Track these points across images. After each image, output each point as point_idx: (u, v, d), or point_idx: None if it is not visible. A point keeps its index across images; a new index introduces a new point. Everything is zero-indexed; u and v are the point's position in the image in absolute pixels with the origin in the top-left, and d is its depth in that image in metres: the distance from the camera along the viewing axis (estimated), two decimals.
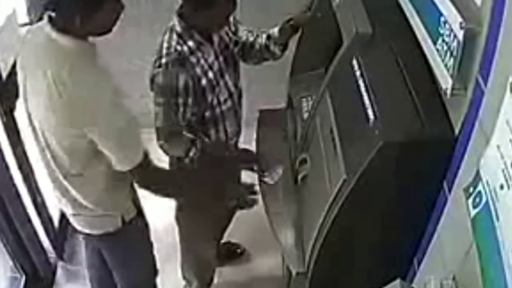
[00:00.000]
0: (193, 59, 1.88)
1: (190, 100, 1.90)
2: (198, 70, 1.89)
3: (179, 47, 1.85)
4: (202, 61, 1.90)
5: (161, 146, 1.99)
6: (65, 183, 1.74)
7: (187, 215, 2.33)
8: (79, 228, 1.92)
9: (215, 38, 1.95)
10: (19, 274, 2.50)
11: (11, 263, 2.45)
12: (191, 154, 1.98)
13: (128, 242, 1.96)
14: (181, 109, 1.90)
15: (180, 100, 1.88)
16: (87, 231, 1.91)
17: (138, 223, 1.95)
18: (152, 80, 1.90)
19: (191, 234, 2.40)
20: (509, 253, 0.98)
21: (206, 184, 2.11)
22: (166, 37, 1.89)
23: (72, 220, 1.92)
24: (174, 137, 1.96)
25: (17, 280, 2.51)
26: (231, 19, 2.01)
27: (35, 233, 2.08)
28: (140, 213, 1.97)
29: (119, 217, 1.85)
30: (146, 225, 2.06)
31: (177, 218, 2.40)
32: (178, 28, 1.87)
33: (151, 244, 2.14)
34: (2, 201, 2.18)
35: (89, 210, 1.80)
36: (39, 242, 2.60)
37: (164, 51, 1.86)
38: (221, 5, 1.82)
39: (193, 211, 2.26)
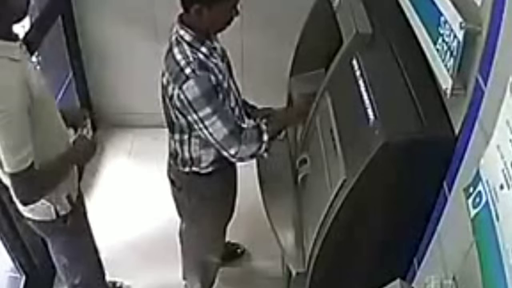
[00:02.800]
0: (210, 64, 1.81)
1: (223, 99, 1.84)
2: (217, 74, 1.82)
3: (195, 56, 1.78)
4: (218, 65, 1.85)
5: (235, 155, 1.85)
6: None
7: (198, 224, 2.28)
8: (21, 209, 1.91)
9: (217, 45, 1.93)
10: (19, 274, 2.51)
11: (11, 263, 2.45)
12: (264, 143, 1.88)
13: (65, 236, 1.99)
14: (227, 106, 1.84)
15: (221, 96, 1.81)
16: (28, 215, 1.91)
17: (71, 220, 1.92)
18: (185, 100, 1.77)
19: (202, 239, 2.35)
20: (509, 253, 0.98)
21: (224, 185, 2.12)
22: (176, 50, 1.79)
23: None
24: (242, 134, 1.84)
25: (17, 280, 2.51)
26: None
27: (35, 233, 2.08)
28: (76, 212, 1.95)
29: (52, 208, 1.85)
30: (84, 226, 2.07)
31: (182, 229, 2.40)
32: (187, 38, 1.79)
33: (92, 245, 2.16)
34: (2, 201, 2.18)
35: None
36: (39, 241, 2.59)
37: (183, 63, 1.76)
38: (222, 3, 1.78)
39: (205, 218, 2.23)
